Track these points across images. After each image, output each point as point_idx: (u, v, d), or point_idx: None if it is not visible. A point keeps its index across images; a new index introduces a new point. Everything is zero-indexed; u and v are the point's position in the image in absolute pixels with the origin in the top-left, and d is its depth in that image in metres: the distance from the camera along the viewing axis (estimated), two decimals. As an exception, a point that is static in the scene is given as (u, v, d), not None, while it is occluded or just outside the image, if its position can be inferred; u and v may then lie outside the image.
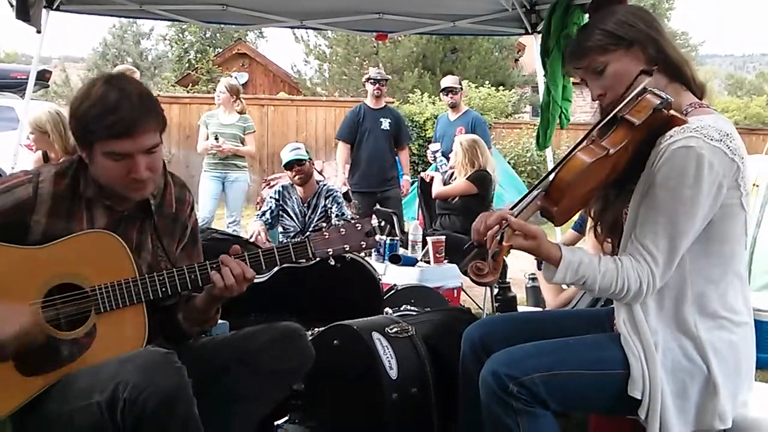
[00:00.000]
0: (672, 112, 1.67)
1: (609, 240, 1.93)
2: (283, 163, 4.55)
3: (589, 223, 1.98)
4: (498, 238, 1.66)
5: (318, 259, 1.89)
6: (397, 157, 6.22)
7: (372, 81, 6.09)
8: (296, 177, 4.53)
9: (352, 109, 6.29)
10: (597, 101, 1.85)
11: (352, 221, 1.94)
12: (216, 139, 6.00)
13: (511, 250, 1.71)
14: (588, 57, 1.80)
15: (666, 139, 1.67)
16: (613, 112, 1.72)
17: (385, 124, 6.02)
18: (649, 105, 1.67)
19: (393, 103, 11.51)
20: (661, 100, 1.67)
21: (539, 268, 3.44)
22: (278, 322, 2.05)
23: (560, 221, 1.79)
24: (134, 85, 1.80)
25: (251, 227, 4.55)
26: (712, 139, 1.64)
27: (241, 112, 6.23)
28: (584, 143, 1.73)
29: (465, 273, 1.72)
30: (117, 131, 1.73)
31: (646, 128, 1.68)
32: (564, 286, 3.52)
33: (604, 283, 1.70)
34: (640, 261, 1.69)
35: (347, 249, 1.90)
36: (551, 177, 1.73)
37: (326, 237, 1.89)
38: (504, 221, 1.67)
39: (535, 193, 1.75)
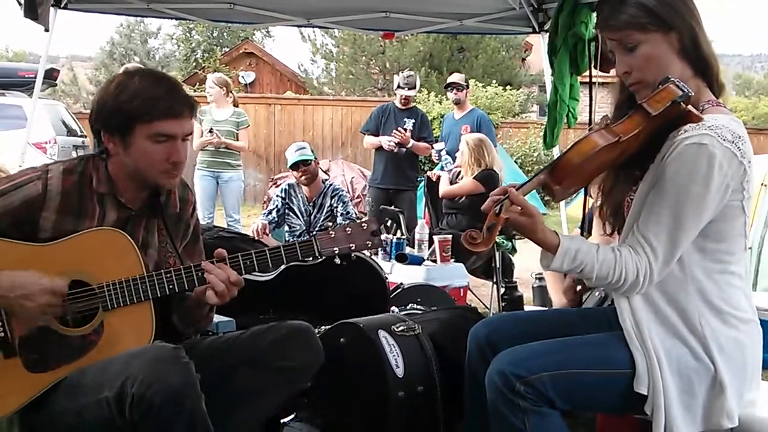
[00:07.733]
0: (689, 107, 1.66)
1: (611, 222, 1.93)
2: (289, 164, 4.55)
3: (598, 199, 1.97)
4: (496, 209, 1.68)
5: (324, 258, 1.89)
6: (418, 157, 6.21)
7: (401, 89, 6.07)
8: (302, 177, 4.52)
9: (381, 105, 6.35)
10: (621, 78, 1.80)
11: (359, 221, 1.95)
12: (210, 132, 5.89)
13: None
14: (624, 31, 1.74)
15: (680, 133, 1.66)
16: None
17: (409, 124, 6.03)
18: (668, 96, 1.65)
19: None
20: (682, 93, 1.65)
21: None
22: (287, 321, 2.05)
23: (559, 198, 1.83)
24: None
25: (254, 225, 4.55)
26: (725, 140, 1.63)
27: (234, 105, 6.17)
28: (597, 127, 1.73)
29: (461, 243, 1.73)
30: (170, 112, 1.83)
31: (661, 119, 1.67)
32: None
33: (602, 272, 1.70)
34: (639, 253, 1.69)
35: (353, 248, 1.90)
36: (560, 155, 1.74)
37: (332, 236, 1.89)
38: (505, 193, 1.69)
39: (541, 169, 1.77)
